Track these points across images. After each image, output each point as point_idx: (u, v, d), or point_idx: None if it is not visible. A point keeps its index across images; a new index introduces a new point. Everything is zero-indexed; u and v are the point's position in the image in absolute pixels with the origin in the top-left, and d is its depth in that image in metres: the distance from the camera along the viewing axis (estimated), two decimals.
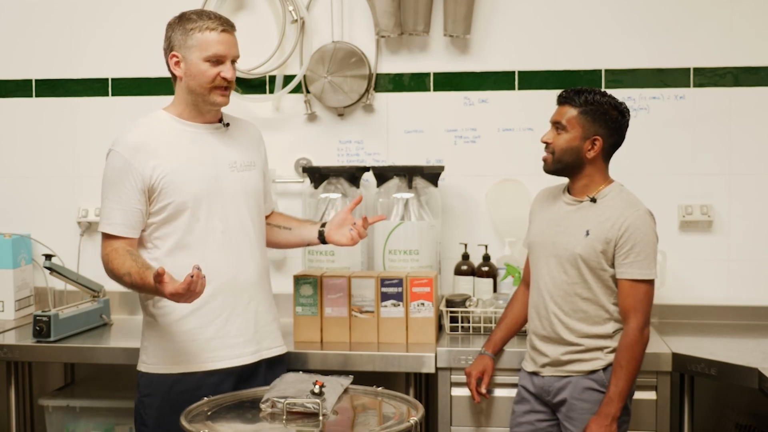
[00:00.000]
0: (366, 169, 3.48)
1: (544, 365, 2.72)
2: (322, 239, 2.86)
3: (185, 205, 2.56)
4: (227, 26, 2.61)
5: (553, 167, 2.70)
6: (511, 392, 2.89)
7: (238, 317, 2.65)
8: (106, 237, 2.58)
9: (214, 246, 2.61)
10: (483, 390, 2.88)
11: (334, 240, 2.84)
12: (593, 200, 2.67)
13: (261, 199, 2.77)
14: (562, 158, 2.67)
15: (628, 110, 2.70)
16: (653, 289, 2.63)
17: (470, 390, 2.89)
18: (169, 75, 2.67)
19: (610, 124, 2.65)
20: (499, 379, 2.95)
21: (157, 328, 2.60)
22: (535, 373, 2.75)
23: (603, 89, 3.41)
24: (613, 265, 2.62)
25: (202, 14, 2.61)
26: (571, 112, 2.65)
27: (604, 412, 2.58)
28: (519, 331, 2.95)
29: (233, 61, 2.63)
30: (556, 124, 2.69)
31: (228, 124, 2.71)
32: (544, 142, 2.71)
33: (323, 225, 2.88)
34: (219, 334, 2.62)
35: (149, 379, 2.60)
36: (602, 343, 2.65)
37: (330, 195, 3.40)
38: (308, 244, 2.96)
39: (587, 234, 2.63)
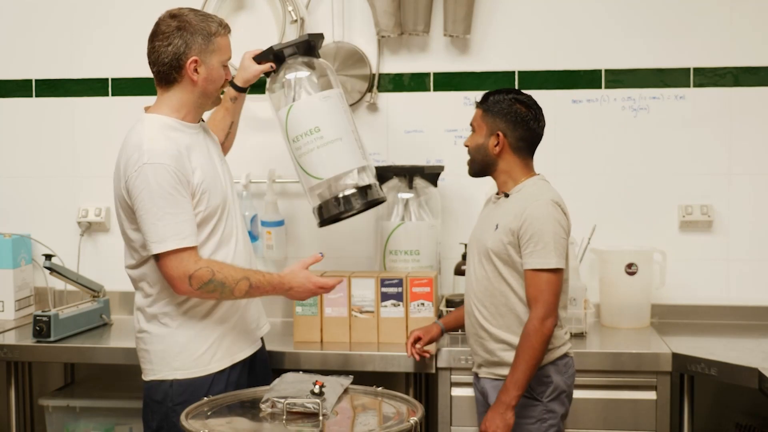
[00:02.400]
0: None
1: (479, 366, 2.71)
2: (236, 87, 2.94)
3: (216, 209, 2.56)
4: (229, 28, 2.66)
5: (471, 168, 2.77)
6: None
7: (251, 304, 2.70)
8: (178, 252, 2.45)
9: (239, 244, 2.64)
10: (418, 346, 2.86)
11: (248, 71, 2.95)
12: (506, 195, 2.69)
13: None
14: (474, 158, 2.73)
15: (535, 103, 2.70)
16: (558, 278, 2.57)
17: (405, 346, 2.89)
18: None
19: (511, 118, 2.66)
20: None
21: (185, 333, 2.57)
22: (476, 375, 2.74)
23: (603, 88, 3.46)
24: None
25: (210, 18, 2.60)
26: (479, 112, 2.72)
27: (499, 399, 2.54)
28: None
29: None
30: (471, 127, 2.76)
31: (203, 121, 2.73)
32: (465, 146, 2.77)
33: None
34: (239, 323, 2.65)
35: (184, 385, 2.55)
36: None
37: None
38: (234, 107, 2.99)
39: (496, 228, 2.64)
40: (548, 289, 2.56)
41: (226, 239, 2.60)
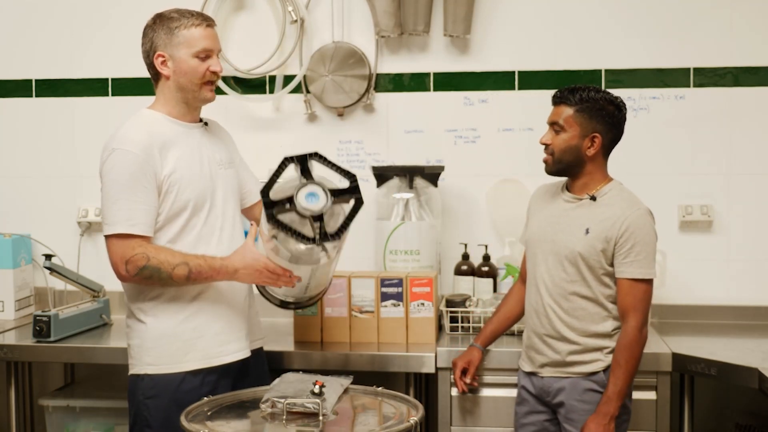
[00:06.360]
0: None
1: (543, 365, 2.71)
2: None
3: (188, 204, 2.56)
4: (210, 21, 2.65)
5: (555, 168, 2.69)
6: (509, 392, 2.89)
7: (239, 310, 2.67)
8: (124, 238, 2.47)
9: (214, 242, 2.61)
10: (468, 380, 2.87)
11: None
12: (593, 198, 2.66)
13: (239, 197, 2.81)
14: (562, 158, 2.66)
15: (624, 104, 2.69)
16: (652, 288, 2.63)
17: (455, 380, 2.90)
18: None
19: (608, 120, 2.64)
20: (497, 378, 2.95)
21: (158, 329, 2.57)
22: (533, 374, 2.74)
23: (603, 88, 3.44)
24: (612, 264, 2.62)
25: (181, 12, 2.62)
26: (568, 111, 2.64)
27: (602, 411, 2.57)
28: (511, 326, 2.95)
29: (216, 55, 2.66)
30: (554, 125, 2.67)
31: (207, 123, 2.73)
32: (544, 144, 2.69)
33: None
34: (225, 329, 2.63)
35: (154, 380, 2.56)
36: (602, 342, 2.64)
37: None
38: None
39: (587, 232, 2.62)
40: (646, 298, 2.61)
41: (205, 237, 2.59)
